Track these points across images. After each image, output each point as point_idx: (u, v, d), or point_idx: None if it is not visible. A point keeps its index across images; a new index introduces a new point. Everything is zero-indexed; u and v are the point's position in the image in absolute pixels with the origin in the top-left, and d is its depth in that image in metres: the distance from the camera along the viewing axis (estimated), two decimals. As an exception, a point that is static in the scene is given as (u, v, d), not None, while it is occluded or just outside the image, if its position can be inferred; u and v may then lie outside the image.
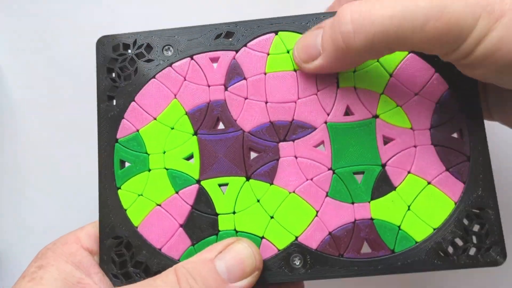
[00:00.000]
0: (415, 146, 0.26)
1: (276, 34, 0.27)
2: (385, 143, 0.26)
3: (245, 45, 0.27)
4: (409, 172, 0.25)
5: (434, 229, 0.25)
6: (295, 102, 0.27)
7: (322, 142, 0.26)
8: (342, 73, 0.26)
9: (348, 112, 0.26)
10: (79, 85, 0.39)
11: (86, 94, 0.39)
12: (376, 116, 0.26)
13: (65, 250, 0.25)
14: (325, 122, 0.26)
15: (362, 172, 0.26)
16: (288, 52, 0.27)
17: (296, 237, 0.25)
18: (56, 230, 0.37)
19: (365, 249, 0.25)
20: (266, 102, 0.27)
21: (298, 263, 0.25)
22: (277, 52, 0.27)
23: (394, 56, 0.26)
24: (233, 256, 0.24)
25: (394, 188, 0.25)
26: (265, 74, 0.27)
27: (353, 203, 0.25)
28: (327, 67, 0.24)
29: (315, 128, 0.26)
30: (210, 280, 0.23)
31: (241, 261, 0.24)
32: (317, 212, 0.25)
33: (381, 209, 0.25)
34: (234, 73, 0.27)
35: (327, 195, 0.26)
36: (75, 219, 0.38)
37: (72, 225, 0.35)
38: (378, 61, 0.26)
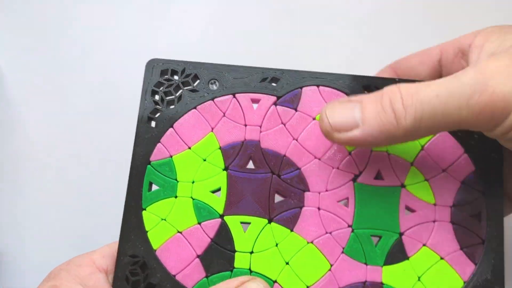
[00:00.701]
0: (434, 221, 0.27)
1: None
2: (406, 213, 0.27)
3: (318, 86, 0.28)
4: (424, 245, 0.26)
5: None
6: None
7: (347, 199, 0.27)
8: None
9: (378, 176, 0.27)
10: (80, 86, 0.39)
11: (86, 95, 0.39)
12: (403, 186, 0.27)
13: (79, 273, 0.26)
14: (353, 180, 0.27)
15: (380, 236, 0.27)
16: None
17: (308, 287, 0.26)
18: (56, 231, 0.37)
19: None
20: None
21: None
22: None
23: None
24: None
25: (407, 258, 0.26)
26: (313, 119, 0.28)
27: (366, 264, 0.26)
28: (363, 140, 0.24)
29: (340, 186, 0.27)
30: None
31: None
32: (331, 266, 0.26)
33: (392, 276, 0.26)
34: (290, 101, 0.28)
35: (343, 252, 0.27)
36: (75, 220, 0.38)
37: (72, 226, 0.36)
38: None
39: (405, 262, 0.26)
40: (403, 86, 0.24)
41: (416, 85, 0.23)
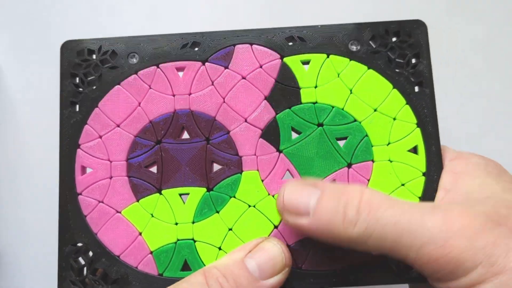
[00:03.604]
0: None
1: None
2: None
3: (251, 44, 0.27)
4: None
5: None
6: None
7: (288, 170, 0.27)
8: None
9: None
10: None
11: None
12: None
13: None
14: (281, 151, 0.27)
15: None
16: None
17: None
18: (56, 232, 0.37)
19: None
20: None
21: None
22: None
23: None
24: (263, 254, 0.24)
25: None
26: (242, 77, 0.27)
27: None
28: (308, 231, 0.23)
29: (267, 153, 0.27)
30: (241, 278, 0.23)
31: (271, 258, 0.24)
32: (275, 226, 0.26)
33: None
34: (222, 58, 0.27)
35: None
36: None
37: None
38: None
39: None
40: (367, 193, 0.22)
41: (381, 199, 0.22)
